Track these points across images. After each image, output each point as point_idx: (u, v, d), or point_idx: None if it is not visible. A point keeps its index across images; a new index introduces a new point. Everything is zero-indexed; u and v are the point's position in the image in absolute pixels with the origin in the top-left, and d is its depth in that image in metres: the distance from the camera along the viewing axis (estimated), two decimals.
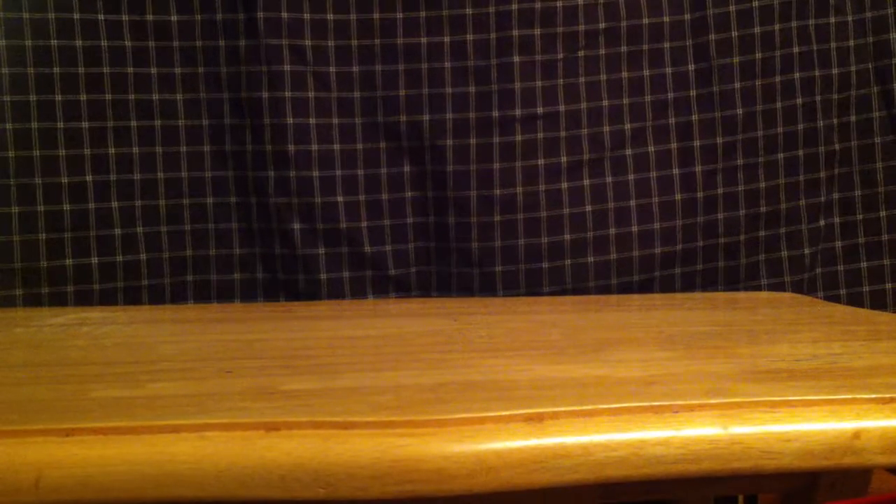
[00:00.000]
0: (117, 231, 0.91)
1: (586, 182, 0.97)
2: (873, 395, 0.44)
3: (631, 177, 0.98)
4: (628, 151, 0.98)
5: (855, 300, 1.02)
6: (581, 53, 0.96)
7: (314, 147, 0.93)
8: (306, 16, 0.93)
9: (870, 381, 0.48)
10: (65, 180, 0.89)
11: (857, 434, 0.42)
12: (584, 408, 0.42)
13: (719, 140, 0.99)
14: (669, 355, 0.58)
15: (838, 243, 1.02)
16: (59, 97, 0.89)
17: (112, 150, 0.91)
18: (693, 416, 0.42)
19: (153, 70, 0.92)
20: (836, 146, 1.01)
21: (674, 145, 0.98)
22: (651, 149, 0.98)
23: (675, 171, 0.98)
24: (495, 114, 0.95)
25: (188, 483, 0.38)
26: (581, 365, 0.55)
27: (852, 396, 0.44)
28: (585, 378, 0.50)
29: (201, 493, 0.38)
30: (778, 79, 0.99)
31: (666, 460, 0.41)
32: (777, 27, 0.99)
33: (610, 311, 0.83)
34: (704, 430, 0.42)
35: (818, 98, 1.00)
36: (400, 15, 0.94)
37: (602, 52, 0.97)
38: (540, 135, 0.96)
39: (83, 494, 0.38)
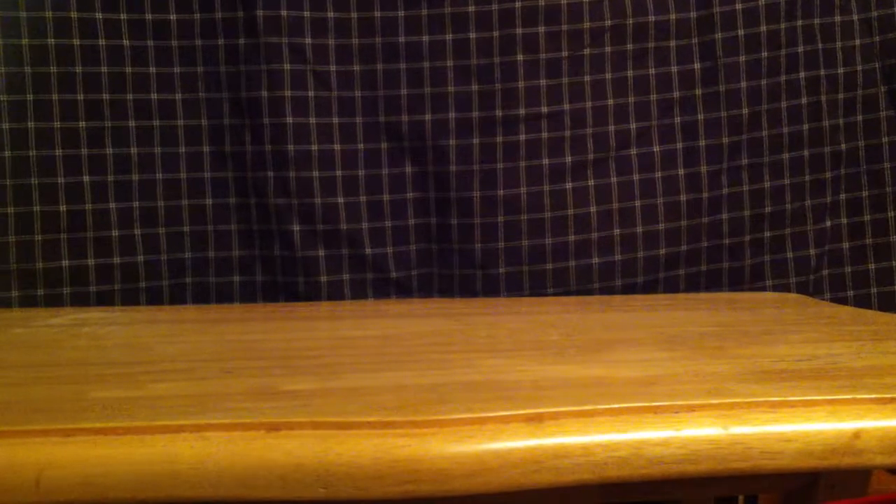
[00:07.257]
0: (115, 232, 0.91)
1: (591, 182, 0.96)
2: (873, 395, 0.44)
3: (636, 177, 0.97)
4: (633, 151, 0.97)
5: (863, 302, 1.01)
6: (586, 52, 0.96)
7: (314, 147, 0.93)
8: (306, 14, 0.92)
9: (870, 382, 0.48)
10: (61, 181, 0.89)
11: (857, 434, 0.42)
12: (585, 408, 0.42)
13: (725, 140, 0.98)
14: (670, 355, 0.57)
15: (846, 244, 1.02)
16: (56, 97, 0.88)
17: (110, 151, 0.91)
18: (693, 417, 0.42)
19: (152, 69, 0.91)
20: (843, 146, 1.00)
21: (679, 145, 0.98)
22: (656, 148, 0.97)
23: (681, 171, 0.98)
24: (499, 113, 0.95)
25: (188, 483, 0.38)
26: (581, 365, 0.55)
27: (852, 396, 0.44)
28: (586, 378, 0.50)
29: (201, 493, 0.38)
30: (783, 78, 0.98)
31: (666, 460, 0.41)
32: (783, 26, 0.98)
33: (611, 312, 0.83)
34: (705, 430, 0.42)
35: (823, 98, 0.99)
36: (401, 13, 0.94)
37: (608, 50, 0.96)
38: (544, 134, 0.95)
39: (83, 494, 0.38)
